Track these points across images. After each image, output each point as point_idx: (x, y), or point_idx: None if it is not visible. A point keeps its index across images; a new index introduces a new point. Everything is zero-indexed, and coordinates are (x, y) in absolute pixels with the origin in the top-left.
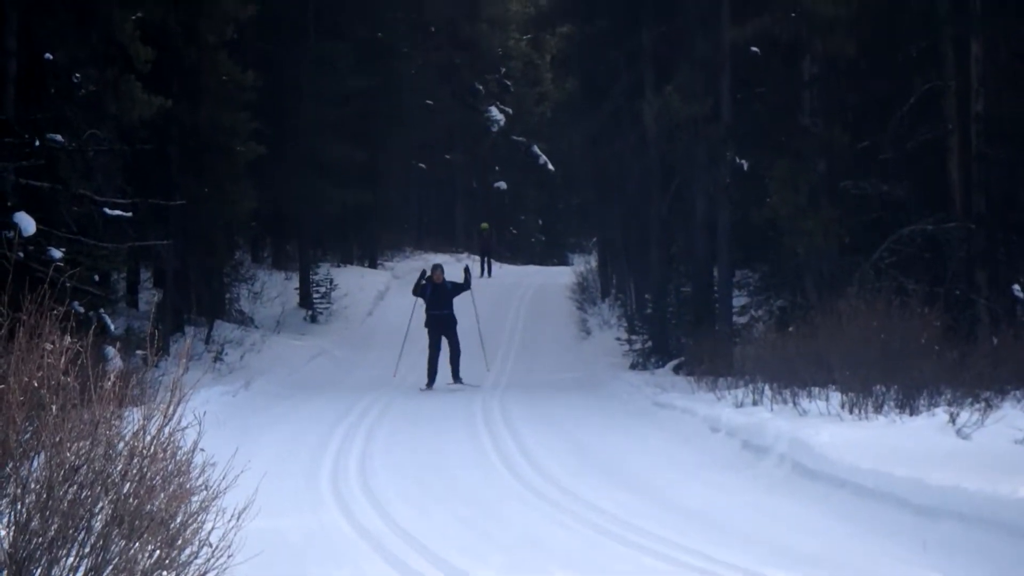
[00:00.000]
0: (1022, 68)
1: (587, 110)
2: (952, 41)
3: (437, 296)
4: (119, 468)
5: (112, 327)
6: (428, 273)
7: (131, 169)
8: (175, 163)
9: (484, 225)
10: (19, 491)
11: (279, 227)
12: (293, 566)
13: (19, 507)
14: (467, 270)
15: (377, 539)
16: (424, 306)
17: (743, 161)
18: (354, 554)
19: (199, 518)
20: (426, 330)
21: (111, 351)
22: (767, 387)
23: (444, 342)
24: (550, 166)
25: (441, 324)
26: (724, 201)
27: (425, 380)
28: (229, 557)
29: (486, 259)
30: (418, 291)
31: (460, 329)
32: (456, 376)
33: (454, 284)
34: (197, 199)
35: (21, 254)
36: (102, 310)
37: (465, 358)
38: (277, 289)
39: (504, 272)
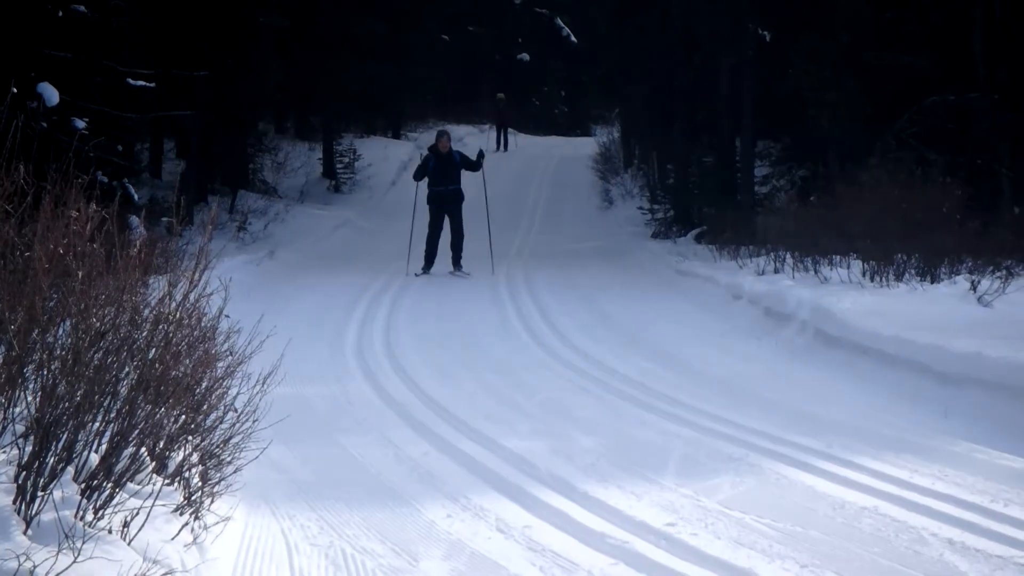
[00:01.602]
0: None
1: None
2: None
3: (442, 168)
4: (145, 334)
5: (136, 197)
6: (432, 145)
7: (155, 40)
8: (199, 34)
9: (500, 96)
10: (45, 357)
11: (303, 99)
12: (318, 432)
13: (45, 373)
14: (481, 154)
15: (402, 406)
16: (426, 180)
17: (766, 33)
18: (380, 420)
19: (224, 383)
20: (428, 207)
21: (135, 220)
22: (788, 255)
23: (447, 223)
24: (573, 38)
25: (445, 201)
26: (747, 73)
27: (422, 263)
28: (254, 422)
29: (503, 131)
30: (420, 173)
31: (466, 213)
32: (457, 263)
33: (462, 156)
34: (221, 71)
35: (45, 124)
36: (126, 180)
37: (469, 255)
38: (301, 160)
39: (527, 143)
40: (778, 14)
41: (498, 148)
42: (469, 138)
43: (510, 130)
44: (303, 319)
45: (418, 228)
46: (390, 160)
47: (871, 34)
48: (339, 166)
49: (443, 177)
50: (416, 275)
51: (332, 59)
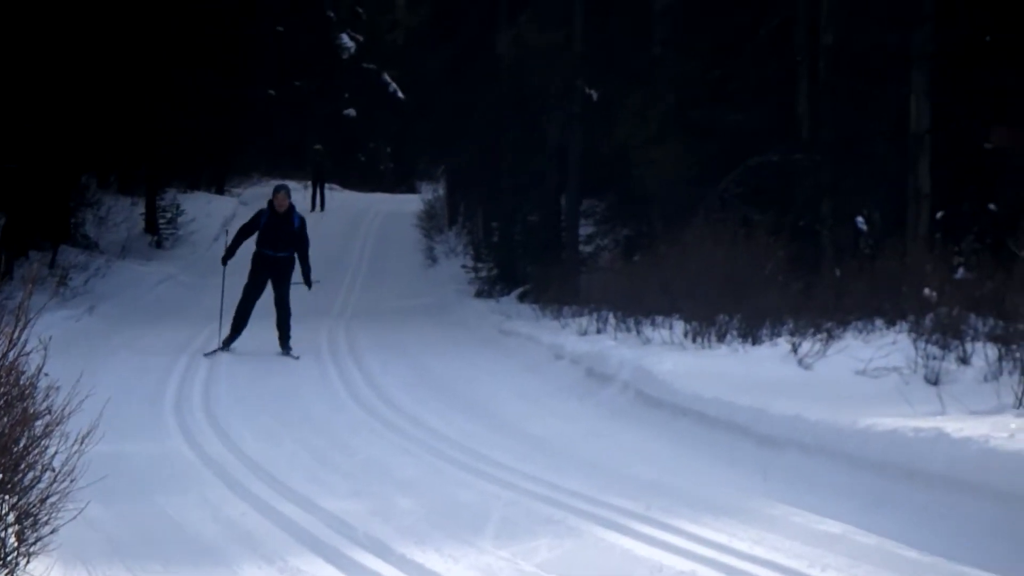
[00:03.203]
0: (870, 1)
1: (440, 38)
2: None
3: (276, 229)
4: None
5: None
6: (269, 199)
7: None
8: (21, 86)
9: (317, 147)
10: None
11: (127, 151)
12: (136, 491)
13: None
14: (309, 278)
15: (221, 466)
16: (255, 238)
17: (594, 91)
18: (198, 480)
19: (42, 442)
20: (249, 267)
21: None
22: (611, 315)
23: (268, 291)
24: (400, 94)
25: (272, 268)
26: (575, 130)
27: (226, 334)
28: (72, 481)
29: (319, 188)
30: (241, 237)
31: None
32: (286, 344)
33: (302, 232)
34: (43, 124)
35: None
36: None
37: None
38: (124, 214)
39: (352, 199)
40: (606, 71)
41: (313, 208)
42: (294, 194)
43: (328, 186)
44: (123, 375)
45: (230, 298)
46: (213, 216)
47: (699, 93)
48: (161, 221)
49: (275, 239)
50: (206, 355)
51: (157, 110)
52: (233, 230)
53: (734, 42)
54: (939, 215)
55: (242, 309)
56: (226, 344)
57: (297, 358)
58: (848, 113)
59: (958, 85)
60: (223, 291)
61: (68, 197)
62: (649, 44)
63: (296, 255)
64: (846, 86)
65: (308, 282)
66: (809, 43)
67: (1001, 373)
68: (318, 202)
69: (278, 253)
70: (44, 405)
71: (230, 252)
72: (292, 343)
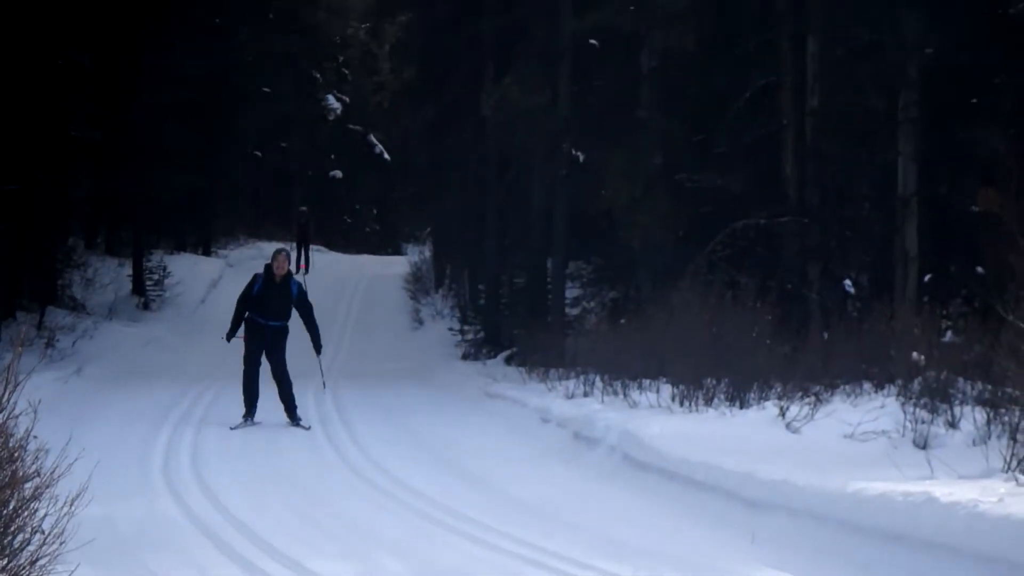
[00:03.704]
0: (856, 64)
1: (425, 99)
2: (789, 37)
3: (272, 297)
4: None
5: None
6: (267, 263)
7: None
8: (8, 147)
9: (303, 209)
10: None
11: (114, 212)
12: (125, 554)
13: None
14: (319, 347)
15: (210, 528)
16: (250, 308)
17: (579, 153)
18: (187, 542)
19: (32, 505)
20: (243, 339)
21: None
22: (598, 378)
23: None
24: (386, 155)
25: (266, 338)
26: (560, 192)
27: (243, 410)
28: (62, 544)
29: (304, 249)
30: (237, 316)
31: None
32: (294, 415)
33: (301, 292)
34: (30, 184)
35: None
36: None
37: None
38: (110, 276)
39: (337, 260)
40: (592, 133)
41: (298, 269)
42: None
43: (313, 247)
44: (111, 437)
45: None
46: (199, 277)
47: (684, 155)
48: (149, 283)
49: (268, 308)
50: (232, 428)
51: (144, 170)
52: (242, 277)
53: (719, 103)
54: (927, 278)
55: (248, 380)
56: (245, 420)
57: (308, 428)
58: (834, 175)
59: (945, 147)
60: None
61: (55, 259)
62: (635, 106)
63: (298, 321)
64: (832, 148)
65: (318, 347)
66: (795, 105)
67: (990, 437)
68: (304, 262)
69: (270, 322)
70: (33, 468)
71: (233, 327)
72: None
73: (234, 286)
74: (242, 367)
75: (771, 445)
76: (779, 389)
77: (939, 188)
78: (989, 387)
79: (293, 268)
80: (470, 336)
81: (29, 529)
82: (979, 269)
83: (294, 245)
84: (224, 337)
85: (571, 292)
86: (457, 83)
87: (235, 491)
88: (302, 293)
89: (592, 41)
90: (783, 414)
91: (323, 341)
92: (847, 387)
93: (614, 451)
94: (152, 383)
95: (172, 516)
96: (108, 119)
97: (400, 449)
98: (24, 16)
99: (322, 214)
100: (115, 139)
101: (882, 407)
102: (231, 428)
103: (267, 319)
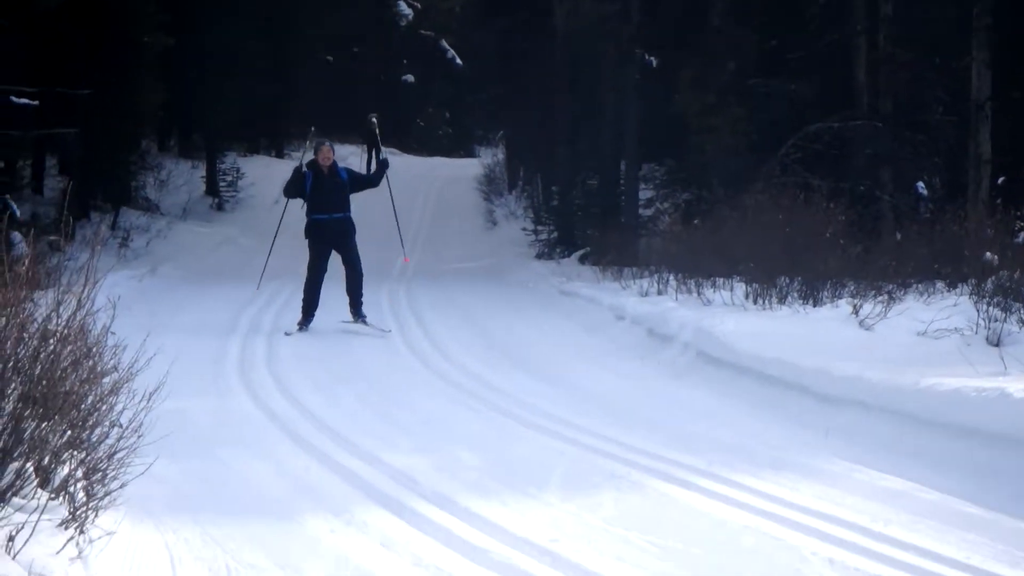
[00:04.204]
0: None
1: (498, 7)
2: None
3: (324, 190)
4: (31, 350)
5: (18, 213)
6: (308, 156)
7: (38, 59)
8: (82, 53)
9: (372, 117)
10: None
11: (186, 117)
12: (201, 447)
13: None
14: (385, 162)
15: (284, 422)
16: (305, 206)
17: (652, 58)
18: (262, 436)
19: (110, 400)
20: (307, 241)
21: (18, 236)
22: (672, 277)
23: (335, 259)
24: (458, 60)
25: (331, 233)
26: (632, 98)
27: (300, 317)
28: (139, 437)
29: (374, 151)
30: (292, 191)
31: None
32: (358, 311)
33: (352, 173)
34: (103, 89)
35: None
36: (7, 196)
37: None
38: (184, 177)
39: (410, 163)
40: (664, 40)
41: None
42: (352, 158)
43: (384, 149)
44: (185, 335)
45: (281, 244)
46: (272, 179)
47: (757, 62)
48: (222, 184)
49: (326, 202)
50: (287, 334)
51: (216, 77)
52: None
53: (792, 11)
54: (1000, 181)
55: (310, 288)
56: (301, 327)
57: (375, 328)
58: (907, 81)
59: (1018, 54)
60: (274, 240)
61: (129, 161)
62: (707, 13)
63: (350, 217)
64: (905, 55)
65: (383, 165)
66: (868, 12)
67: None
68: (373, 167)
69: (334, 215)
70: (111, 363)
71: (291, 190)
72: (368, 311)
73: None
74: (306, 273)
75: (845, 342)
76: (852, 288)
77: (1012, 93)
78: None
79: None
80: (544, 236)
81: (107, 423)
82: None
83: (364, 148)
84: (283, 192)
85: (644, 194)
86: None
87: (309, 388)
88: (351, 173)
89: None
90: (856, 312)
91: (396, 240)
92: (920, 286)
93: (688, 348)
94: (226, 283)
95: (247, 411)
96: (179, 25)
97: (475, 347)
98: None
99: (394, 118)
100: (187, 45)
101: (955, 305)
102: (285, 334)
103: (330, 213)
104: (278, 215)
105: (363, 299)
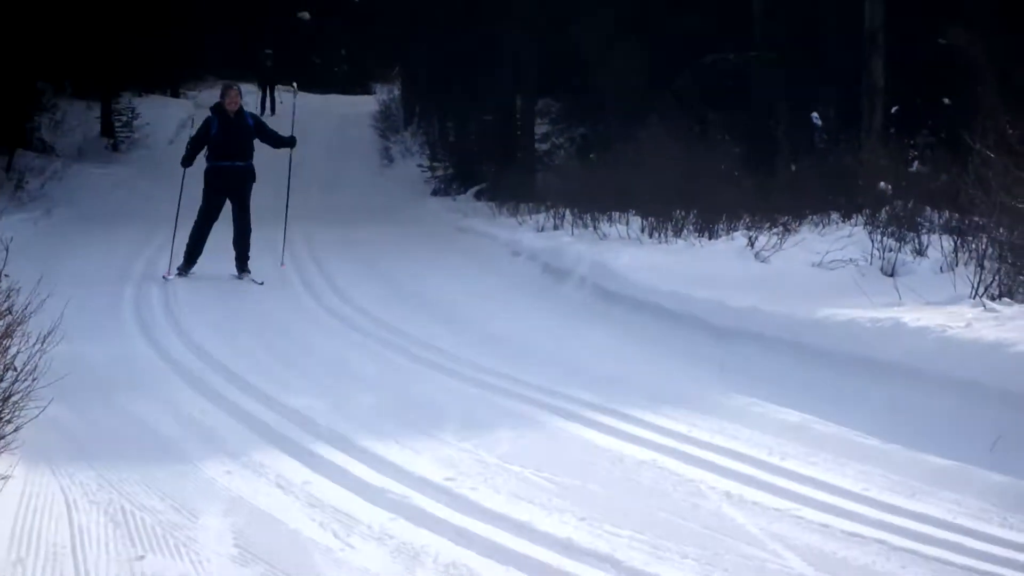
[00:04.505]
0: None
1: None
2: None
3: (229, 135)
4: None
5: None
6: (215, 103)
7: None
8: None
9: (267, 52)
10: None
11: (81, 57)
12: (97, 390)
13: None
14: (292, 140)
15: (181, 364)
16: (206, 152)
17: None
18: (159, 378)
19: (3, 343)
20: (203, 186)
21: None
22: (568, 212)
23: (228, 211)
24: None
25: (231, 181)
26: (528, 32)
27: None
28: (34, 380)
29: (269, 91)
30: (193, 149)
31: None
32: (243, 265)
33: (259, 122)
34: None
35: None
36: None
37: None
38: (79, 118)
39: (307, 100)
40: None
41: (263, 111)
42: (249, 96)
43: (278, 88)
44: (81, 277)
45: (186, 211)
46: (168, 119)
47: None
48: (117, 125)
49: (229, 148)
50: (166, 278)
51: (109, 17)
52: (189, 132)
53: None
54: (893, 110)
55: (196, 234)
56: (181, 272)
57: (261, 283)
58: (802, 11)
59: None
60: (180, 200)
61: (23, 102)
62: None
63: (251, 166)
64: None
65: (291, 143)
66: None
67: (957, 264)
68: (268, 106)
69: (236, 163)
70: (5, 305)
71: (188, 158)
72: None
73: None
74: (195, 218)
75: (740, 275)
76: (748, 220)
77: (906, 22)
78: (956, 215)
79: (259, 110)
80: (440, 173)
81: (1, 366)
82: (945, 100)
83: (259, 89)
84: (181, 163)
85: (540, 129)
86: None
87: (206, 330)
88: (258, 120)
89: None
90: (752, 244)
91: (293, 178)
92: (815, 218)
93: (585, 282)
94: (123, 224)
95: (144, 354)
96: None
97: (371, 286)
98: None
99: (290, 56)
100: None
101: (850, 236)
102: (164, 278)
103: (232, 160)
104: (174, 156)
105: (250, 256)
